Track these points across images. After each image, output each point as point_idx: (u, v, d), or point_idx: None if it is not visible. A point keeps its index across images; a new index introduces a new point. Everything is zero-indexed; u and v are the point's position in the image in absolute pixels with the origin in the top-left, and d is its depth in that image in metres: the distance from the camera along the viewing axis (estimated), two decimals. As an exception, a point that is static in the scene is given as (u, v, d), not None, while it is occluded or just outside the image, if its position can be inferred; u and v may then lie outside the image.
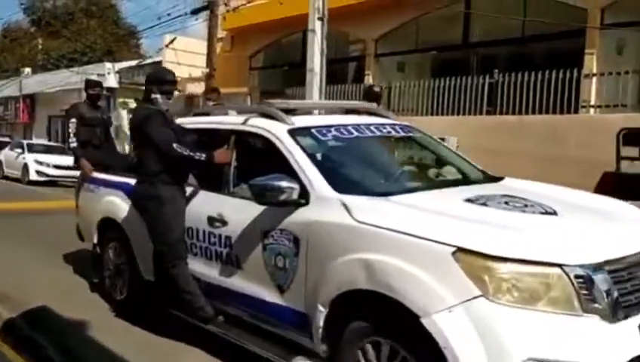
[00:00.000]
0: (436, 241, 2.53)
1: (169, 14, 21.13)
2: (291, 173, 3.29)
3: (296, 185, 3.17)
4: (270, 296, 3.33)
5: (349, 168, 3.77)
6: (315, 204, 3.13)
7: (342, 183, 3.27)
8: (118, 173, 4.90)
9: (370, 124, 4.00)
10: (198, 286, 3.84)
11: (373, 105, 4.78)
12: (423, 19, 13.39)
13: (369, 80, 14.32)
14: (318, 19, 11.94)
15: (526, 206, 3.03)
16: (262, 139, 3.77)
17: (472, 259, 2.43)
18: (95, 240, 4.97)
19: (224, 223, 3.67)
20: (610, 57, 10.70)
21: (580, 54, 10.75)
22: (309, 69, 12.35)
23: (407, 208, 2.90)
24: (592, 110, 10.17)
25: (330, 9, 12.07)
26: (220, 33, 16.92)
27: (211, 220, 3.76)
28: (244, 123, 3.88)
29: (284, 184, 3.13)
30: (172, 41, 18.79)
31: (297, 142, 3.49)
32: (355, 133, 3.79)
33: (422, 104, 12.57)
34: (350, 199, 3.03)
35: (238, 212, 3.59)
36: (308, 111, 4.42)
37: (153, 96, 3.96)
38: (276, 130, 3.61)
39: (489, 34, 12.85)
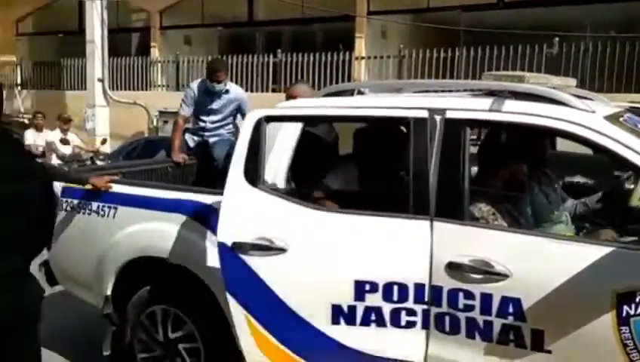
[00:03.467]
0: None
1: None
2: None
3: None
4: None
5: None
6: None
7: None
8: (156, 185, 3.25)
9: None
10: None
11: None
12: (209, -7, 13.44)
13: (155, 53, 13.96)
14: (97, -13, 11.30)
15: None
16: (543, 132, 2.60)
17: None
18: (108, 292, 3.19)
19: (497, 276, 2.23)
20: (376, 41, 12.04)
21: (352, 37, 11.90)
22: (89, 40, 11.72)
23: None
24: (362, 89, 11.39)
25: (111, -24, 11.51)
26: (-23, -8, 14.85)
27: (458, 269, 2.28)
28: (495, 110, 2.40)
29: None
30: None
31: None
32: None
33: (210, 79, 12.70)
34: None
35: (532, 256, 2.25)
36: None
37: None
38: (594, 122, 2.30)
39: (272, 12, 13.42)
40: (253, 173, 2.51)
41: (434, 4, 11.50)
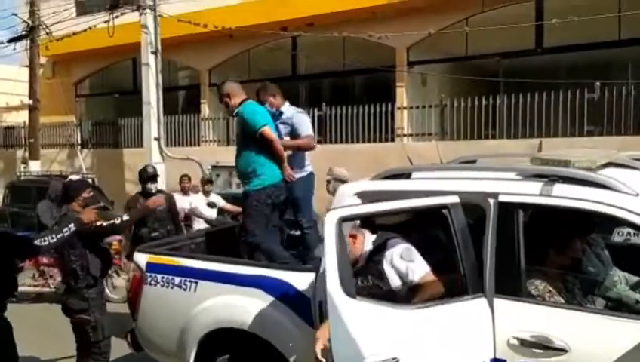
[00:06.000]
0: None
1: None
2: None
3: None
4: None
5: None
6: None
7: None
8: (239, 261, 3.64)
9: None
10: None
11: None
12: (254, 50, 14.09)
13: (205, 109, 14.65)
14: (152, 52, 12.02)
15: None
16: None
17: None
18: (191, 360, 3.54)
19: (556, 351, 2.45)
20: (417, 89, 12.37)
21: (393, 87, 12.26)
22: (145, 101, 12.34)
23: None
24: (405, 138, 11.68)
25: (162, 39, 12.21)
26: (41, 59, 15.96)
27: (525, 344, 2.51)
28: (545, 194, 2.63)
29: None
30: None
31: None
32: None
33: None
34: None
35: (590, 332, 2.44)
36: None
37: None
38: (636, 205, 2.48)
39: (315, 67, 13.97)
40: (348, 283, 2.51)
41: (472, 52, 11.79)
